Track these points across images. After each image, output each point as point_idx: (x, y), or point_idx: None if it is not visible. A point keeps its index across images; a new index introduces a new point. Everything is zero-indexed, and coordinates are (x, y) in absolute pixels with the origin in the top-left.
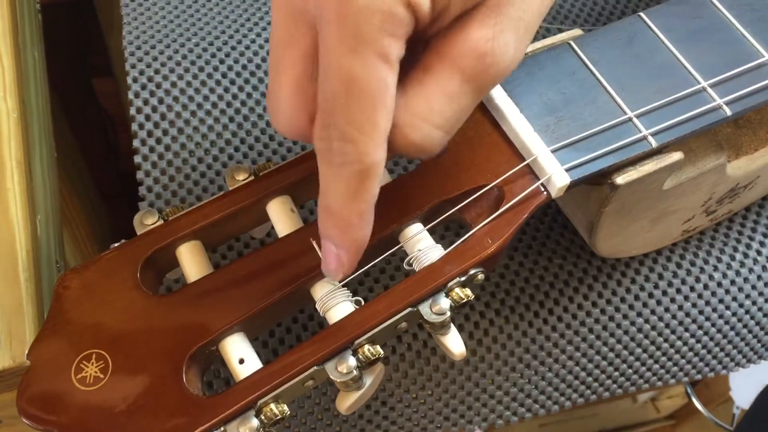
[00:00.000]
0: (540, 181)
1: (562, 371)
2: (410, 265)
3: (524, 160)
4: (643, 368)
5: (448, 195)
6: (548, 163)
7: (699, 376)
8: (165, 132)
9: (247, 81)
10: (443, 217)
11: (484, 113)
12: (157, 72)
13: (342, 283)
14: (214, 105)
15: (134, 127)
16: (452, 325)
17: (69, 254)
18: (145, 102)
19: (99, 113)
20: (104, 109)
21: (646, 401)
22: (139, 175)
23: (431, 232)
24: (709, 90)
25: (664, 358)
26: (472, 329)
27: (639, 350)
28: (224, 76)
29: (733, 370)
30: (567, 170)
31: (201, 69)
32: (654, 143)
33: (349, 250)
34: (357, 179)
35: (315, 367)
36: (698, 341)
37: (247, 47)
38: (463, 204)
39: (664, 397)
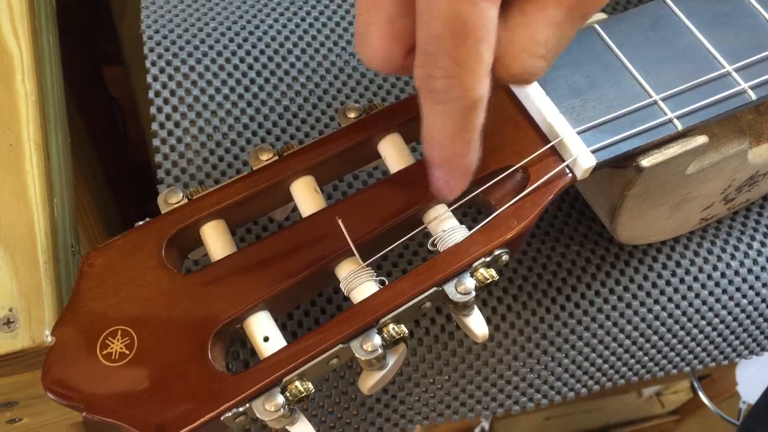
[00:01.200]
0: (566, 163)
1: (578, 358)
2: (434, 245)
3: (549, 141)
4: (659, 355)
5: (474, 176)
6: (574, 145)
7: (713, 364)
8: (183, 116)
9: (264, 66)
10: (468, 197)
11: (510, 95)
12: (175, 56)
13: (366, 263)
14: (232, 89)
15: (152, 110)
16: (475, 306)
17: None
18: (164, 86)
19: (109, 102)
20: (114, 97)
21: (651, 396)
22: (158, 158)
23: None
24: (734, 74)
25: (680, 346)
26: (490, 314)
27: (655, 337)
28: (242, 60)
29: (747, 357)
30: (593, 152)
31: (219, 53)
32: (679, 126)
33: (458, 175)
34: (463, 114)
35: (340, 345)
36: (714, 329)
37: (265, 32)
38: (488, 185)
39: (669, 391)
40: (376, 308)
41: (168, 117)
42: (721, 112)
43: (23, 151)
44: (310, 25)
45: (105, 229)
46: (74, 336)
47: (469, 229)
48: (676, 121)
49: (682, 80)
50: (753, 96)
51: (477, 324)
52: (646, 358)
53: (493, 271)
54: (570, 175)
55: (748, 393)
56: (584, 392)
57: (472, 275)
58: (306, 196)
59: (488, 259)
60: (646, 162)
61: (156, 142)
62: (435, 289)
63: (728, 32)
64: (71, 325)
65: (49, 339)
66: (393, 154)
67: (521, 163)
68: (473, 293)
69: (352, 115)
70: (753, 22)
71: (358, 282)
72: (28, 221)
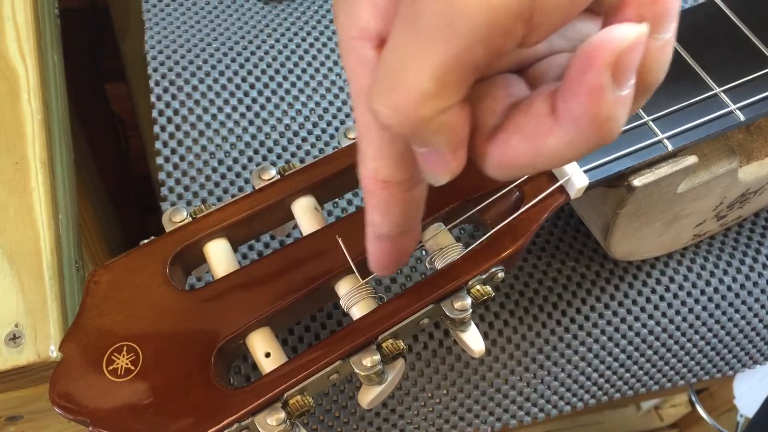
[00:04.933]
0: (559, 182)
1: (574, 372)
2: (432, 263)
3: None
4: (654, 369)
5: (469, 196)
6: (567, 165)
7: (707, 377)
8: (186, 134)
9: (266, 85)
10: (464, 217)
11: None
12: (178, 76)
13: (365, 280)
14: (234, 109)
15: (156, 129)
16: (472, 322)
17: None
18: (167, 105)
19: (111, 118)
20: (116, 114)
21: (650, 409)
22: (161, 176)
23: None
24: (723, 96)
25: (674, 360)
26: (487, 330)
27: (650, 352)
28: (243, 80)
29: (740, 371)
30: (585, 172)
31: (221, 73)
32: (670, 146)
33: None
34: None
35: (340, 361)
36: (707, 343)
37: (266, 52)
38: (483, 204)
39: (668, 405)
40: (374, 324)
41: (171, 136)
42: (711, 133)
43: (29, 169)
44: (311, 45)
45: (106, 243)
46: (81, 352)
47: (466, 247)
48: (666, 142)
49: (672, 102)
50: (741, 117)
51: (473, 340)
52: (641, 372)
53: (488, 288)
54: (563, 194)
55: (746, 407)
56: (580, 406)
57: (468, 292)
58: (307, 215)
59: (484, 276)
60: (637, 181)
61: (159, 160)
62: (432, 305)
63: (717, 55)
64: (78, 341)
65: (55, 354)
66: None
67: (515, 183)
68: (469, 310)
69: (351, 135)
70: (741, 46)
71: (358, 299)
72: (34, 238)
